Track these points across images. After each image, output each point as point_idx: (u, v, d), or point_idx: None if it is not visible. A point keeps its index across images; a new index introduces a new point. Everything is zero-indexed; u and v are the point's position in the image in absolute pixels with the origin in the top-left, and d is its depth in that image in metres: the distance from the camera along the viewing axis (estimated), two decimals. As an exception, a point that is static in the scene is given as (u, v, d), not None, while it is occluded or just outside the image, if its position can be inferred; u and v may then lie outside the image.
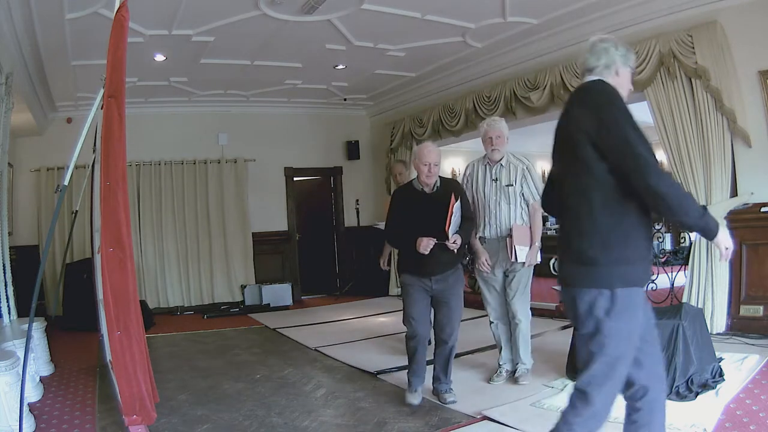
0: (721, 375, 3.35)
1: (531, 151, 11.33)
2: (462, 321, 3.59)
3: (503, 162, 3.77)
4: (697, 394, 3.14)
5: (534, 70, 6.20)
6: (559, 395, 3.42)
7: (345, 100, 8.73)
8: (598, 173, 1.91)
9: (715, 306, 4.57)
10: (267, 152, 8.68)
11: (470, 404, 3.38)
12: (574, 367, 3.68)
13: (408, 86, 8.07)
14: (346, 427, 3.21)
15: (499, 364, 3.89)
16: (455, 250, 3.35)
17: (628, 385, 2.01)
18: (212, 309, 7.95)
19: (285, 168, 8.93)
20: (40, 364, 4.35)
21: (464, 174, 3.99)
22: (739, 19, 4.50)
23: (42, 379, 4.20)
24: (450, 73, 7.33)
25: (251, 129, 8.62)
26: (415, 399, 3.46)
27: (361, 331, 5.94)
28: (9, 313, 4.27)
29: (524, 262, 3.70)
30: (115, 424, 3.24)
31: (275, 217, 8.86)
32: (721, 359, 3.53)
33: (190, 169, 8.21)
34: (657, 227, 5.36)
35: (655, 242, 5.44)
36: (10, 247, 4.82)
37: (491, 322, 3.91)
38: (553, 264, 5.66)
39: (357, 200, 9.15)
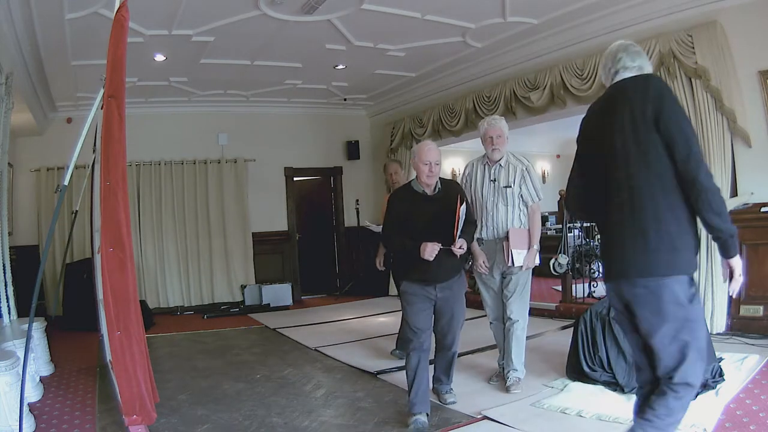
0: (721, 375, 3.35)
1: (531, 150, 11.38)
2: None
3: (502, 162, 3.70)
4: (697, 394, 3.14)
5: (534, 70, 6.20)
6: (559, 395, 3.42)
7: (345, 100, 8.73)
8: (667, 160, 1.96)
9: (715, 306, 4.57)
10: (267, 152, 8.68)
11: (470, 404, 3.38)
12: (574, 367, 3.69)
13: (408, 86, 8.07)
14: (346, 427, 3.21)
15: (499, 364, 3.87)
16: (458, 255, 3.20)
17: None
18: (212, 309, 7.95)
19: (285, 168, 8.94)
20: (40, 364, 4.35)
21: (463, 173, 3.94)
22: (739, 19, 4.50)
23: (42, 379, 4.20)
24: (450, 73, 7.33)
25: (251, 129, 8.62)
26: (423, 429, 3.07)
27: (362, 331, 5.94)
28: (9, 313, 4.27)
29: (522, 266, 3.61)
30: (115, 424, 3.24)
31: (275, 217, 8.86)
32: (721, 359, 3.53)
33: (190, 169, 8.21)
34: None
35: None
36: (10, 247, 4.81)
37: (491, 323, 3.88)
38: (553, 264, 5.66)
39: (357, 200, 9.15)
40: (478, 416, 3.20)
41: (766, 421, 2.79)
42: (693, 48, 4.63)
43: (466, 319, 3.51)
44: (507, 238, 3.63)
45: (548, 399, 3.37)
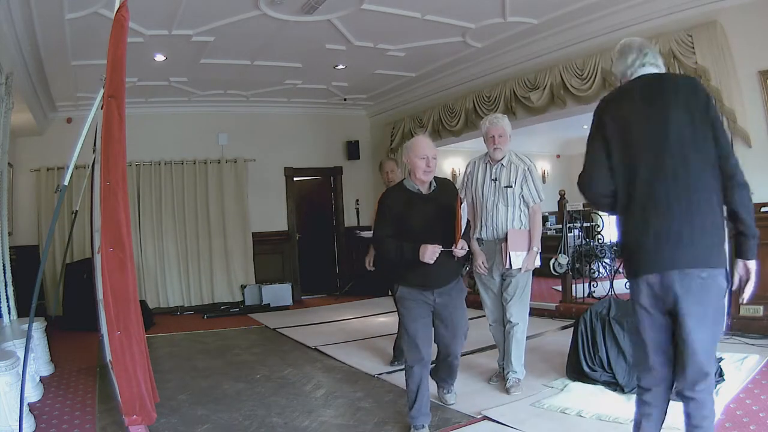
0: (721, 375, 3.34)
1: (531, 150, 11.37)
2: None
3: (504, 162, 3.65)
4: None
5: (534, 70, 6.20)
6: (559, 395, 3.42)
7: (345, 100, 8.73)
8: (715, 158, 2.01)
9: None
10: (267, 152, 8.69)
11: (470, 404, 3.38)
12: (574, 367, 3.69)
13: (408, 86, 8.07)
14: (346, 427, 3.21)
15: (499, 364, 3.87)
16: (456, 257, 3.04)
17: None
18: (212, 309, 7.95)
19: (285, 168, 8.94)
20: (40, 364, 4.35)
21: (464, 171, 3.88)
22: (739, 19, 4.50)
23: (42, 379, 4.20)
24: (450, 73, 7.33)
25: (251, 129, 8.62)
26: None
27: (362, 331, 5.94)
28: (9, 313, 4.27)
29: (521, 268, 3.56)
30: (115, 424, 3.24)
31: (275, 217, 8.86)
32: (721, 359, 3.52)
33: (190, 169, 8.21)
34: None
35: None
36: (10, 247, 4.81)
37: (490, 324, 3.85)
38: (553, 264, 5.65)
39: (357, 200, 9.16)
40: (478, 416, 3.20)
41: (766, 421, 2.79)
42: (693, 48, 4.63)
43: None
44: (506, 239, 3.57)
45: (548, 399, 3.37)
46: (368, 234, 4.01)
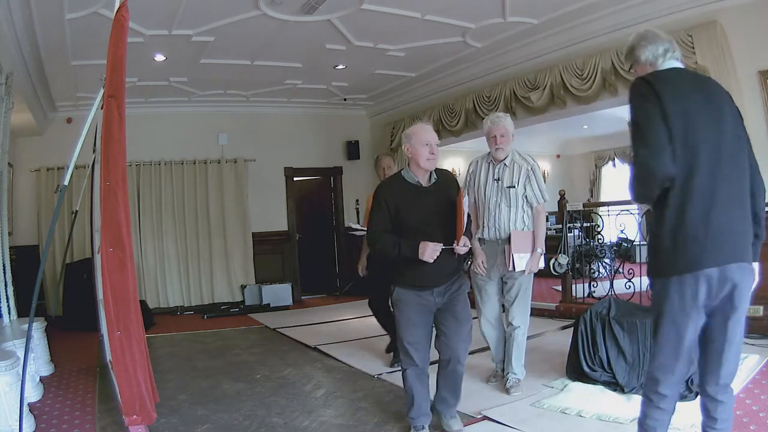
0: (721, 375, 3.34)
1: (531, 150, 11.33)
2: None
3: (507, 161, 3.59)
4: (697, 394, 3.12)
5: (534, 70, 6.21)
6: (559, 395, 3.42)
7: (345, 100, 8.73)
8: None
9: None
10: (267, 152, 8.69)
11: (470, 404, 3.37)
12: (574, 367, 3.69)
13: (408, 86, 8.07)
14: (346, 427, 3.21)
15: (495, 363, 3.86)
16: (457, 255, 2.83)
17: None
18: (212, 309, 7.95)
19: (285, 168, 8.94)
20: (40, 364, 4.34)
21: (467, 171, 3.82)
22: (739, 19, 4.51)
23: (42, 379, 4.20)
24: (450, 73, 7.33)
25: (251, 129, 8.62)
26: None
27: (362, 331, 5.94)
28: (9, 313, 4.27)
29: (524, 270, 3.49)
30: (115, 424, 3.24)
31: (275, 217, 8.86)
32: (721, 359, 3.52)
33: (190, 169, 8.21)
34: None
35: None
36: (10, 247, 4.81)
37: (480, 326, 3.76)
38: (553, 264, 5.65)
39: (357, 200, 9.15)
40: (478, 416, 3.20)
41: (766, 421, 2.79)
42: (693, 48, 4.63)
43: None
44: (509, 241, 3.52)
45: (548, 399, 3.37)
46: (361, 232, 3.90)
